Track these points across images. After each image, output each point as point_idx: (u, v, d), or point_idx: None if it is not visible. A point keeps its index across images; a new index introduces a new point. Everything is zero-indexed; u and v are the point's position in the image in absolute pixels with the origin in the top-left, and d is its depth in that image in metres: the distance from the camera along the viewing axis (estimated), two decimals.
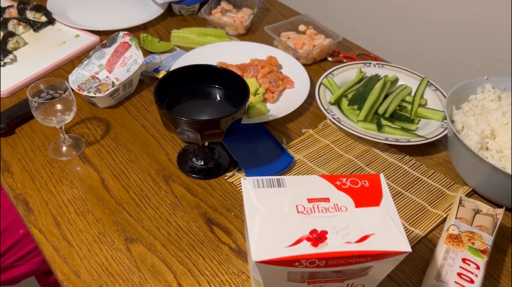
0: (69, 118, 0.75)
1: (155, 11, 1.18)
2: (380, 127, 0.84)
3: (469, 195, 0.78)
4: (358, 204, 0.51)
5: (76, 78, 0.88)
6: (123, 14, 1.18)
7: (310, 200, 0.51)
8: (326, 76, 0.96)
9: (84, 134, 0.84)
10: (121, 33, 0.91)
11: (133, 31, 1.12)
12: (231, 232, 0.69)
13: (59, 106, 0.74)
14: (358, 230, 0.48)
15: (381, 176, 0.54)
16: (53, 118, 0.75)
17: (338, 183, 0.53)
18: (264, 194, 0.51)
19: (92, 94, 0.85)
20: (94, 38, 1.08)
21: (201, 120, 0.66)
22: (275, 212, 0.49)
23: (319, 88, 0.93)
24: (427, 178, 0.80)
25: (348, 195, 0.52)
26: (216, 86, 0.77)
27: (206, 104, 0.76)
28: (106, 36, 1.10)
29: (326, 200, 0.51)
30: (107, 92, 0.85)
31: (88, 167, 0.78)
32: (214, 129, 0.67)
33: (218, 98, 0.76)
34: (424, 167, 0.82)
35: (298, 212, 0.49)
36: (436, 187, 0.79)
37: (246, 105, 0.70)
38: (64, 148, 0.80)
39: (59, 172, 0.77)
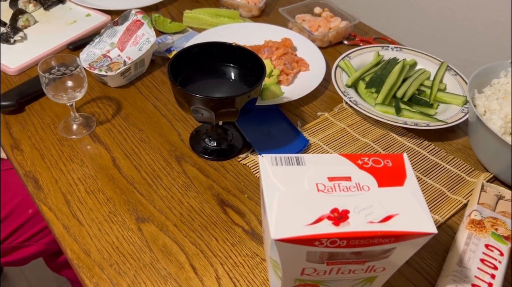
0: (80, 95, 0.74)
1: None
2: (398, 111, 0.81)
3: (490, 181, 0.75)
4: (381, 184, 0.48)
5: (87, 56, 0.86)
6: None
7: (330, 179, 0.48)
8: (342, 58, 0.93)
9: (95, 113, 0.83)
10: (133, 11, 0.89)
11: (145, 11, 1.09)
12: (245, 214, 0.68)
13: (70, 83, 0.73)
14: (381, 210, 0.46)
15: (405, 156, 0.52)
16: (64, 95, 0.73)
17: (360, 162, 0.51)
18: (283, 171, 0.49)
19: (103, 73, 0.83)
20: (105, 18, 1.06)
21: (216, 97, 0.64)
22: (294, 190, 0.47)
23: (335, 71, 0.90)
24: (447, 163, 0.78)
25: (371, 174, 0.49)
26: (231, 65, 0.74)
27: (221, 83, 0.74)
28: (117, 16, 1.08)
29: (348, 179, 0.49)
30: (118, 71, 0.83)
31: (99, 146, 0.77)
32: (229, 107, 0.65)
33: (233, 77, 0.74)
34: (443, 152, 0.80)
35: (318, 190, 0.47)
36: (456, 173, 0.76)
37: (262, 83, 0.67)
38: (74, 127, 0.79)
39: (69, 151, 0.75)
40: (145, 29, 0.88)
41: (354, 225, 0.44)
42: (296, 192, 0.47)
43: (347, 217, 0.45)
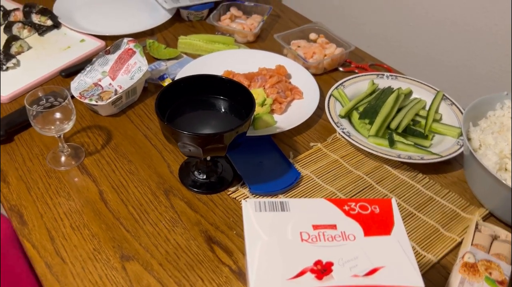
0: (68, 127, 0.73)
1: (162, 16, 1.16)
2: (392, 143, 0.80)
3: (485, 218, 0.73)
4: (367, 232, 0.47)
5: (79, 85, 0.86)
6: (130, 19, 1.16)
7: (315, 227, 0.47)
8: (336, 87, 0.92)
9: (84, 143, 0.82)
10: (125, 40, 0.89)
11: (140, 36, 1.10)
12: (232, 252, 0.66)
13: (58, 115, 0.72)
14: (367, 262, 0.44)
15: (393, 201, 0.51)
16: (52, 127, 0.72)
17: (346, 208, 0.49)
18: (266, 218, 0.48)
19: (93, 102, 0.82)
20: (99, 43, 1.05)
21: (203, 134, 0.63)
22: (278, 239, 0.46)
23: (329, 100, 0.89)
24: (441, 198, 0.76)
25: (357, 222, 0.48)
26: (221, 97, 0.73)
27: (210, 115, 0.73)
28: (112, 42, 1.07)
29: (333, 227, 0.47)
30: (109, 100, 0.83)
31: (87, 178, 0.75)
32: (217, 143, 0.64)
33: (223, 110, 0.73)
34: (437, 186, 0.78)
35: (302, 240, 0.46)
36: (451, 208, 0.74)
37: (251, 119, 0.66)
38: (63, 158, 0.78)
39: (56, 183, 0.74)
40: (137, 58, 0.87)
41: (338, 279, 0.43)
42: (279, 242, 0.46)
43: (331, 270, 0.43)
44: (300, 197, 0.74)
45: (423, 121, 0.87)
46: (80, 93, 0.84)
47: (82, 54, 1.01)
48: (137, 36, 1.10)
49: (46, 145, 0.81)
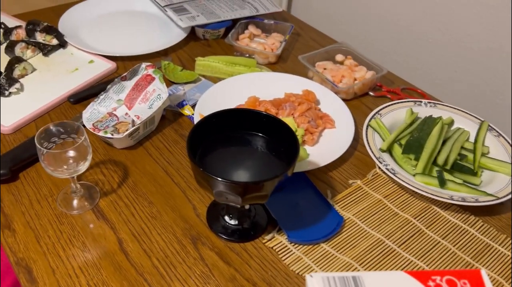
0: (83, 168, 0.64)
1: (177, 35, 1.08)
2: (443, 183, 0.72)
3: None
4: None
5: (91, 115, 0.77)
6: (141, 38, 1.08)
7: None
8: (373, 116, 0.84)
9: (98, 181, 0.73)
10: (143, 65, 0.80)
11: (153, 57, 1.02)
12: None
13: (71, 153, 0.63)
14: None
15: (483, 273, 0.43)
16: (65, 167, 0.63)
17: (432, 284, 0.41)
18: None
19: (109, 135, 0.74)
20: (110, 65, 0.97)
21: (245, 182, 0.54)
22: None
23: (366, 131, 0.81)
24: (499, 245, 0.68)
25: None
26: (258, 133, 0.65)
27: (247, 156, 0.64)
28: (123, 62, 1.00)
29: None
30: (126, 133, 0.74)
31: (103, 224, 0.67)
32: (259, 191, 0.55)
33: (260, 148, 0.65)
34: (493, 230, 0.71)
35: None
36: (511, 257, 0.67)
37: (296, 161, 0.58)
38: (75, 200, 0.69)
39: (69, 230, 0.65)
40: (156, 85, 0.79)
41: None
42: None
43: None
44: (344, 245, 0.66)
45: (470, 155, 0.79)
46: (93, 125, 0.75)
47: (92, 77, 0.93)
48: (150, 57, 1.02)
49: (56, 184, 0.72)
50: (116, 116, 0.77)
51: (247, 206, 0.65)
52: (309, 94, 0.90)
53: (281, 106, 0.87)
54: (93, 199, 0.70)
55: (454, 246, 0.68)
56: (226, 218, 0.67)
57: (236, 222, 0.67)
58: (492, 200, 0.70)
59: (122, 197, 0.71)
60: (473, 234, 0.70)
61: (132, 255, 0.63)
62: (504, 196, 0.71)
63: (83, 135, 0.62)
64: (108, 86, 0.80)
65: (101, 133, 0.74)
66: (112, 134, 0.74)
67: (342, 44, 1.05)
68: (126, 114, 0.78)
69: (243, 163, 0.63)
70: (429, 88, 1.03)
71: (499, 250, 0.68)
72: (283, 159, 0.62)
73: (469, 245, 0.68)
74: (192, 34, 1.11)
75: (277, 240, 0.66)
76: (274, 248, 0.65)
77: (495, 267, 0.65)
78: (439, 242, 0.68)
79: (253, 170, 0.62)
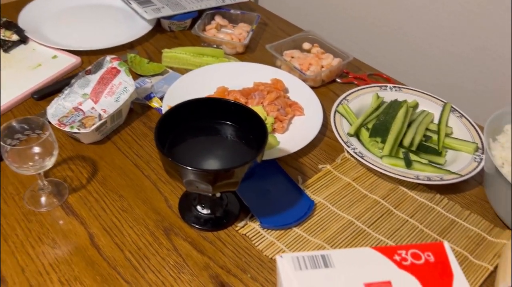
0: (49, 164, 0.63)
1: (142, 28, 1.06)
2: (409, 164, 0.74)
3: None
4: None
5: (56, 110, 0.76)
6: (105, 31, 1.06)
7: (368, 286, 0.40)
8: (340, 102, 0.86)
9: (66, 177, 0.72)
10: (108, 57, 0.79)
11: (119, 50, 1.00)
12: None
13: (36, 149, 0.62)
14: None
15: (446, 245, 0.44)
16: (30, 164, 0.62)
17: (398, 258, 0.43)
18: (310, 279, 0.40)
19: (75, 130, 0.72)
20: (74, 60, 0.95)
21: (215, 170, 0.55)
22: None
23: (334, 117, 0.82)
24: (464, 221, 0.71)
25: (413, 275, 0.41)
26: (226, 122, 0.65)
27: (216, 145, 0.64)
28: (88, 57, 0.98)
29: (388, 284, 0.40)
30: (93, 127, 0.73)
31: (73, 219, 0.66)
32: (230, 178, 0.56)
33: (229, 137, 0.65)
34: (458, 207, 0.73)
35: None
36: (475, 232, 0.69)
37: (264, 148, 0.59)
38: (43, 197, 0.68)
39: (38, 228, 0.64)
40: (122, 77, 0.78)
41: None
42: None
43: None
44: (315, 228, 0.67)
45: (434, 137, 0.82)
46: (58, 120, 0.74)
47: (55, 72, 0.91)
48: (115, 50, 1.00)
49: (22, 182, 0.70)
50: (82, 111, 0.76)
51: (218, 194, 0.65)
52: (278, 83, 0.90)
53: (250, 95, 0.87)
54: (62, 196, 0.69)
55: (421, 224, 0.70)
56: (199, 207, 0.67)
57: (209, 211, 0.67)
58: (456, 178, 0.73)
59: (92, 192, 0.70)
60: (439, 211, 0.72)
61: (104, 249, 0.62)
62: (467, 174, 0.73)
63: (48, 130, 0.61)
64: (73, 81, 0.78)
65: (67, 129, 0.73)
66: (78, 129, 0.73)
67: (308, 32, 1.06)
68: (93, 108, 0.77)
69: (213, 152, 0.63)
70: (394, 74, 1.05)
71: (463, 226, 0.70)
72: (253, 146, 0.63)
73: (436, 222, 0.70)
74: (158, 26, 1.10)
75: (250, 227, 0.67)
76: (247, 234, 0.66)
77: (461, 241, 0.68)
78: (407, 220, 0.70)
79: (223, 158, 0.62)
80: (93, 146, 0.78)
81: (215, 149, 0.64)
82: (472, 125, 0.83)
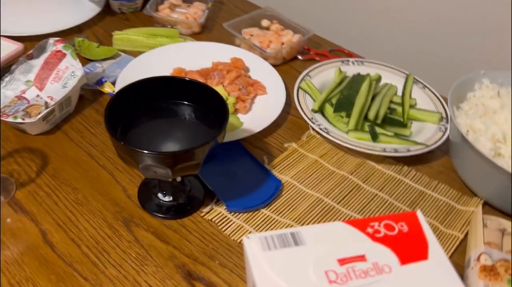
0: None
1: (90, 10, 1.00)
2: (375, 137, 0.73)
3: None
4: (403, 260, 0.38)
5: None
6: (51, 15, 0.98)
7: (341, 261, 0.38)
8: (303, 78, 0.83)
9: (13, 172, 0.66)
10: (51, 40, 0.73)
11: (66, 35, 0.93)
12: None
13: None
14: None
15: (419, 214, 0.43)
16: None
17: (370, 230, 0.40)
18: (280, 258, 0.38)
19: (19, 120, 0.67)
20: (16, 46, 0.88)
21: (172, 152, 0.51)
22: (301, 286, 0.36)
23: (297, 94, 0.80)
24: (432, 191, 0.70)
25: (388, 247, 0.39)
26: (183, 102, 0.61)
27: (173, 126, 0.60)
28: (31, 43, 0.90)
29: (362, 258, 0.38)
30: (39, 116, 0.67)
31: (22, 217, 0.60)
32: (190, 161, 0.52)
33: (187, 117, 0.61)
34: (425, 178, 0.72)
35: (330, 282, 0.36)
36: (444, 201, 0.69)
37: (227, 125, 0.55)
38: None
39: None
40: (68, 61, 0.72)
41: None
42: None
43: None
44: (284, 208, 0.65)
45: (399, 109, 0.81)
46: (0, 111, 0.68)
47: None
48: (63, 35, 0.93)
49: None
50: (26, 99, 0.70)
51: (179, 179, 0.62)
52: (238, 61, 0.87)
53: (209, 75, 0.83)
54: (8, 192, 0.63)
55: (390, 197, 0.69)
56: (160, 195, 0.63)
57: (171, 199, 0.63)
58: (422, 149, 0.72)
59: (42, 186, 0.65)
60: (407, 183, 0.71)
61: (58, 246, 0.57)
62: (433, 144, 0.73)
63: None
64: (13, 67, 0.72)
65: (10, 119, 0.67)
66: (23, 119, 0.67)
67: (266, 9, 1.02)
68: (38, 96, 0.71)
69: (172, 134, 0.59)
70: (355, 49, 1.03)
71: (432, 196, 0.69)
72: (215, 126, 0.59)
73: (405, 194, 0.69)
74: (107, 8, 1.03)
75: (216, 212, 0.63)
76: (213, 220, 0.63)
77: (431, 212, 0.67)
78: (376, 194, 0.69)
79: (182, 140, 0.59)
80: (41, 137, 0.72)
81: (173, 131, 0.60)
82: (436, 95, 0.83)
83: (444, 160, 0.76)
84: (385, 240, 0.40)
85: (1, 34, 0.89)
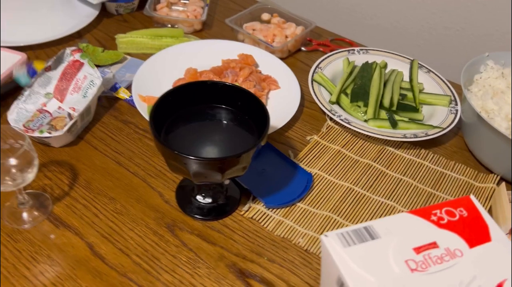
0: (31, 176, 0.56)
1: (87, 14, 0.98)
2: (395, 124, 0.76)
3: (498, 184, 0.73)
4: (471, 243, 0.41)
5: (18, 115, 0.68)
6: (48, 22, 0.96)
7: (417, 250, 0.40)
8: (314, 71, 0.85)
9: (45, 187, 0.65)
10: (68, 50, 0.72)
11: (66, 41, 0.92)
12: (273, 283, 0.57)
13: (12, 161, 0.55)
14: (488, 278, 0.39)
15: (472, 198, 0.46)
16: (7, 179, 0.55)
17: (434, 218, 0.43)
18: (360, 253, 0.40)
19: (46, 134, 0.66)
20: (19, 57, 0.85)
21: (225, 157, 0.52)
22: (386, 277, 0.38)
23: (312, 86, 0.81)
24: (451, 171, 0.74)
25: (454, 232, 0.42)
26: (219, 105, 0.62)
27: (213, 130, 0.61)
28: (33, 52, 0.88)
29: (434, 245, 0.41)
30: (65, 128, 0.67)
31: (66, 231, 0.60)
32: (239, 164, 0.53)
33: (224, 120, 0.62)
34: (443, 159, 0.76)
35: (411, 270, 0.39)
36: (463, 180, 0.73)
37: (268, 127, 0.57)
38: (25, 212, 0.61)
39: (28, 247, 0.58)
40: (86, 70, 0.72)
41: None
42: (389, 280, 0.38)
43: None
44: (318, 200, 0.67)
45: (409, 94, 0.84)
46: (24, 126, 0.67)
47: (1, 73, 0.81)
48: (64, 41, 0.91)
49: None
50: (48, 112, 0.69)
51: (227, 181, 0.63)
52: (248, 58, 0.87)
53: (222, 74, 0.83)
54: (45, 207, 0.63)
55: (414, 180, 0.72)
56: (199, 198, 0.64)
57: (210, 200, 0.64)
58: (440, 131, 0.75)
59: (78, 198, 0.64)
60: (427, 166, 0.75)
61: (108, 258, 0.58)
62: (448, 126, 0.76)
63: (26, 140, 0.55)
64: (32, 80, 0.70)
65: (36, 134, 0.66)
66: (49, 133, 0.66)
67: (264, 2, 1.03)
68: (59, 108, 0.70)
69: (212, 138, 0.60)
70: (352, 36, 1.05)
71: (452, 176, 0.73)
72: (250, 127, 0.61)
73: (427, 177, 0.73)
74: (103, 10, 1.01)
75: (255, 209, 0.65)
76: (253, 217, 0.64)
77: (453, 191, 0.71)
78: (401, 179, 0.72)
79: (225, 144, 0.60)
80: (65, 149, 0.71)
81: (213, 135, 0.61)
82: (441, 79, 0.86)
83: (456, 140, 0.80)
84: (450, 226, 0.42)
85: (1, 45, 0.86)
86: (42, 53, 0.89)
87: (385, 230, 0.42)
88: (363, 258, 0.39)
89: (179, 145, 0.57)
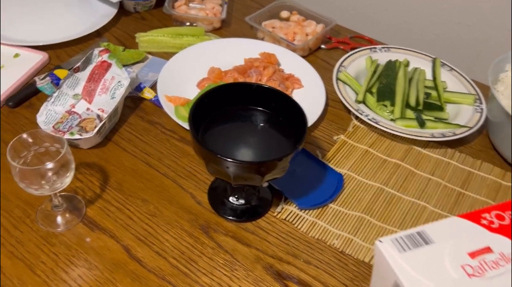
0: (68, 180, 0.56)
1: (105, 13, 0.97)
2: (423, 124, 0.76)
3: None
4: None
5: (48, 117, 0.67)
6: (66, 21, 0.95)
7: (472, 255, 0.40)
8: (338, 69, 0.85)
9: (77, 189, 0.65)
10: (96, 51, 0.71)
11: (86, 40, 0.91)
12: (311, 284, 0.57)
13: (49, 165, 0.55)
14: None
15: None
16: (43, 183, 0.55)
17: (485, 222, 0.43)
18: (416, 258, 0.40)
19: (77, 136, 0.65)
20: (41, 56, 0.85)
21: (267, 161, 0.52)
22: (445, 282, 0.38)
23: (337, 86, 0.81)
24: (478, 170, 0.74)
25: (505, 236, 0.42)
26: (253, 107, 0.62)
27: (248, 132, 0.61)
28: (53, 51, 0.88)
29: (489, 250, 0.41)
30: (96, 130, 0.66)
31: (101, 234, 0.60)
32: (279, 167, 0.53)
33: (258, 122, 0.62)
34: (469, 158, 0.76)
35: (469, 275, 0.39)
36: (491, 179, 0.73)
37: (306, 129, 0.56)
38: (59, 216, 0.61)
39: (64, 250, 0.58)
40: (114, 71, 0.71)
41: None
42: (448, 286, 0.38)
43: None
44: (350, 201, 0.67)
45: (433, 93, 0.84)
46: (54, 127, 0.66)
47: (24, 73, 0.81)
48: (83, 40, 0.91)
49: (28, 202, 0.63)
50: (77, 113, 0.69)
51: (265, 184, 0.63)
52: (271, 57, 0.87)
53: (246, 73, 0.83)
54: (79, 210, 0.62)
55: (443, 179, 0.72)
56: (232, 199, 0.64)
57: (243, 202, 0.64)
58: (467, 131, 0.75)
59: (111, 201, 0.64)
60: (455, 165, 0.75)
61: (145, 261, 0.58)
62: (475, 125, 0.76)
63: (64, 144, 0.54)
64: (61, 81, 0.70)
65: (67, 136, 0.65)
66: (80, 134, 0.65)
67: (283, 0, 1.02)
68: (88, 109, 0.69)
69: (249, 140, 0.60)
70: (370, 33, 1.05)
71: (480, 175, 0.73)
72: (284, 129, 0.60)
73: (455, 176, 0.73)
74: (120, 9, 1.00)
75: (288, 211, 0.65)
76: (287, 219, 0.64)
77: (481, 190, 0.71)
78: (430, 178, 0.72)
79: (260, 146, 0.60)
80: (94, 150, 0.71)
81: (248, 137, 0.60)
82: (464, 77, 0.86)
83: (481, 139, 0.80)
84: (501, 230, 0.43)
85: (21, 45, 0.86)
86: (62, 52, 0.88)
87: (438, 235, 0.42)
88: (419, 263, 0.39)
89: (217, 148, 0.57)
